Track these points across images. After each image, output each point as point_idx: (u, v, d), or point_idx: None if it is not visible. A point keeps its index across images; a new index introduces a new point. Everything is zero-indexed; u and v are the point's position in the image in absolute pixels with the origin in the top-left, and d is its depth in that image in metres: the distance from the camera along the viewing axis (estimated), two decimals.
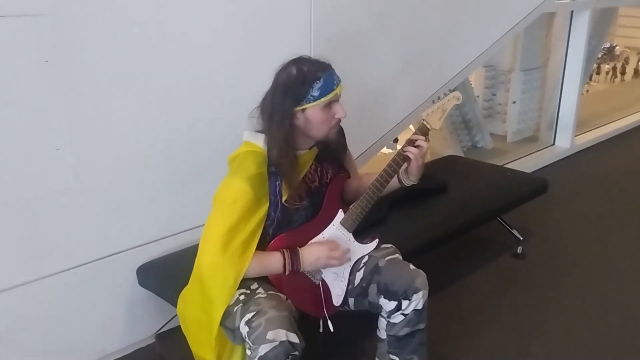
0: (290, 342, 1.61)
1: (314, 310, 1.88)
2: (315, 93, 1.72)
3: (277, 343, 1.60)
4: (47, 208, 2.04)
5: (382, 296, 1.87)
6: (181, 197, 2.36)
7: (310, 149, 1.87)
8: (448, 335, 2.50)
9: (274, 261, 1.79)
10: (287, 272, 1.80)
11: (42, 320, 2.11)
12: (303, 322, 1.84)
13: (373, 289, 1.89)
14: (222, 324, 1.75)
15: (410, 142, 1.92)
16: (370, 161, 3.19)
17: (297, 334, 1.65)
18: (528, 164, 4.57)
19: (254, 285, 1.78)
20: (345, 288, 1.92)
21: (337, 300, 1.91)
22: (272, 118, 1.74)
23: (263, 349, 1.60)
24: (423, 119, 1.96)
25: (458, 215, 2.83)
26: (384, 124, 3.18)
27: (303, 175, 1.86)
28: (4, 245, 1.97)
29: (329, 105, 1.76)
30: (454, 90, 2.06)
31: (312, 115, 1.75)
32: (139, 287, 2.30)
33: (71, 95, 1.99)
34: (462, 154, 4.53)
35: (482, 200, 3.02)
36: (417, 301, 1.84)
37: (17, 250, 2.00)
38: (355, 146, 2.99)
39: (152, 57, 2.16)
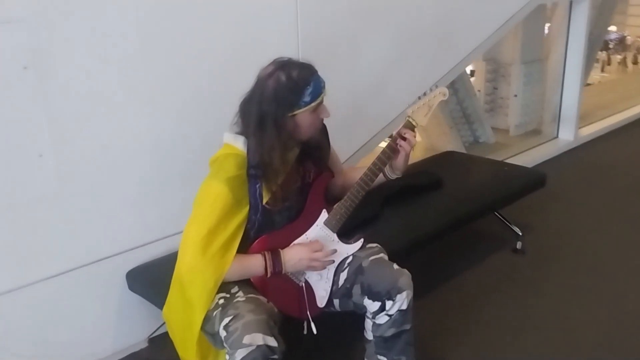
0: (267, 346, 1.59)
1: (297, 312, 1.86)
2: (307, 99, 1.71)
3: (254, 347, 1.58)
4: (31, 214, 2.03)
5: (366, 297, 1.84)
6: (168, 200, 2.35)
7: (290, 150, 1.85)
8: (445, 331, 2.48)
9: (254, 264, 1.77)
10: (268, 275, 1.78)
11: (31, 326, 2.11)
12: (289, 324, 1.83)
13: (357, 289, 1.86)
14: (202, 328, 1.74)
15: (400, 136, 1.89)
16: (366, 158, 3.16)
17: (275, 338, 1.63)
18: (531, 157, 4.51)
19: (234, 289, 1.76)
20: (329, 289, 1.90)
21: (321, 302, 1.89)
22: (262, 125, 1.71)
23: (240, 354, 1.58)
24: (409, 116, 1.93)
25: (451, 210, 2.79)
26: (378, 120, 3.15)
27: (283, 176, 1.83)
28: None
29: (317, 106, 1.75)
30: (439, 86, 2.03)
31: (301, 119, 1.74)
32: (129, 291, 2.29)
33: (52, 100, 1.99)
34: (463, 150, 4.48)
35: (477, 195, 2.99)
36: (401, 301, 1.81)
37: (1, 256, 2.00)
38: (349, 143, 3.01)
39: (134, 60, 2.15)
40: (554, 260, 3.07)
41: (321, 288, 1.89)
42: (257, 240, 1.82)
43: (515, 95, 4.89)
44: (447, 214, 2.76)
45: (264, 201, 1.78)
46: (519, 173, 3.30)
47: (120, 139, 2.18)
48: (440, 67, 3.42)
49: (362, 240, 1.94)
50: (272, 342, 1.61)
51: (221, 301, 1.72)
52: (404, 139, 1.89)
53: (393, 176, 1.99)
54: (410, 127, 1.92)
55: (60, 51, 1.98)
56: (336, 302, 1.92)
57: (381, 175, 1.97)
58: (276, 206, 1.81)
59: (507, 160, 4.26)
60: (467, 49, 3.56)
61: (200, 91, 2.33)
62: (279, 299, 1.82)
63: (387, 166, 1.95)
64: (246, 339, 1.58)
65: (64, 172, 2.07)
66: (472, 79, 4.95)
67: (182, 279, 1.74)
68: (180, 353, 1.88)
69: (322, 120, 1.82)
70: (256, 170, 1.73)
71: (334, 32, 2.77)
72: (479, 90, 4.96)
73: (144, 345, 2.44)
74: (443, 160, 3.49)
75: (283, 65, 1.72)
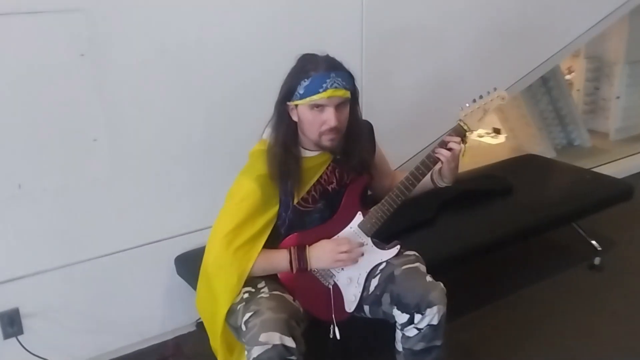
0: (284, 346, 1.56)
1: (323, 314, 1.81)
2: (301, 91, 1.66)
3: (269, 346, 1.55)
4: (86, 196, 2.12)
5: (395, 307, 1.76)
6: (219, 189, 2.35)
7: (323, 152, 1.80)
8: (500, 348, 2.33)
9: (280, 259, 1.75)
10: (294, 270, 1.75)
11: (82, 301, 2.22)
12: (318, 326, 1.79)
13: (386, 298, 1.79)
14: (227, 321, 1.74)
15: (443, 144, 1.79)
16: None
17: (295, 338, 1.59)
18: (629, 165, 4.14)
19: (261, 284, 1.74)
20: (359, 294, 1.83)
21: (349, 307, 1.83)
22: (274, 113, 1.72)
23: (256, 351, 1.56)
24: (460, 119, 1.82)
25: (517, 219, 2.62)
26: (449, 121, 2.99)
27: (318, 177, 1.79)
28: (45, 229, 2.08)
29: (320, 108, 1.67)
30: (498, 88, 1.88)
31: (301, 113, 1.70)
32: (177, 276, 2.35)
33: (107, 88, 2.06)
34: (553, 153, 4.21)
35: (552, 205, 2.78)
36: (432, 316, 1.71)
37: (57, 234, 2.11)
38: (414, 143, 2.88)
39: (191, 52, 2.17)
40: (635, 281, 2.79)
41: (350, 292, 1.83)
42: (287, 237, 1.79)
43: (618, 97, 4.49)
44: (512, 223, 2.59)
45: (295, 200, 1.75)
46: (604, 183, 3.03)
47: (174, 127, 2.22)
48: (526, 63, 3.20)
49: (398, 247, 1.85)
50: (290, 342, 1.57)
51: (246, 295, 1.71)
52: (449, 148, 1.77)
53: (442, 184, 1.89)
54: (461, 132, 1.81)
55: (117, 40, 2.04)
56: (366, 308, 1.86)
57: (430, 181, 1.88)
58: (307, 207, 1.77)
59: (603, 167, 3.94)
60: (560, 43, 3.30)
61: (255, 81, 2.31)
62: (306, 299, 1.79)
63: (436, 173, 1.86)
64: (263, 337, 1.56)
65: (118, 157, 2.14)
66: (567, 77, 4.61)
67: (208, 271, 1.75)
68: (211, 342, 1.90)
69: (331, 129, 1.69)
70: (278, 166, 1.70)
71: (403, 28, 2.66)
72: (577, 90, 4.61)
73: (192, 329, 2.50)
74: (521, 164, 3.28)
75: (308, 54, 1.70)
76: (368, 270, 1.84)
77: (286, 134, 1.72)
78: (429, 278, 1.76)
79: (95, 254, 2.20)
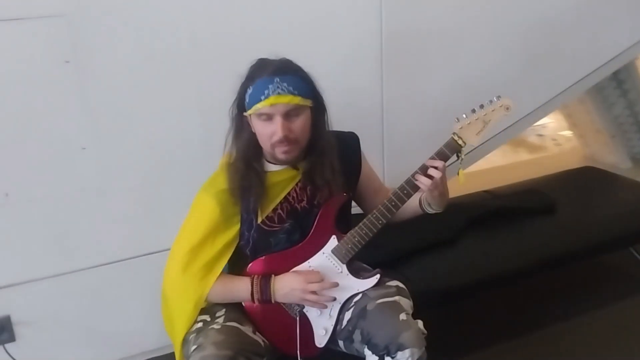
0: None
1: (289, 348, 1.64)
2: (247, 99, 1.51)
3: None
4: (76, 205, 2.07)
5: (366, 346, 1.56)
6: None
7: (290, 167, 1.62)
8: None
9: (240, 288, 1.60)
10: (255, 302, 1.59)
11: (74, 311, 2.18)
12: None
13: (357, 335, 1.59)
14: (182, 350, 1.62)
15: (424, 169, 1.56)
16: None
17: None
18: None
19: (220, 312, 1.61)
20: (331, 327, 1.65)
21: (319, 341, 1.65)
22: (232, 123, 1.60)
23: None
24: (455, 133, 1.59)
25: (556, 242, 2.33)
26: None
27: (285, 194, 1.62)
28: (34, 238, 2.05)
29: (267, 117, 1.50)
30: (502, 97, 1.63)
31: (253, 124, 1.55)
32: None
33: (93, 94, 1.99)
34: (629, 163, 3.77)
35: (603, 225, 2.44)
36: None
37: (47, 243, 2.07)
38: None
39: (182, 58, 2.07)
40: None
41: (320, 326, 1.64)
42: (253, 261, 1.64)
43: None
44: (549, 247, 2.32)
45: (259, 219, 1.59)
46: None
47: (167, 136, 2.13)
48: (578, 68, 2.83)
49: (377, 276, 1.65)
50: None
51: (199, 325, 1.59)
52: (428, 176, 1.54)
53: (430, 211, 1.67)
54: (455, 147, 1.58)
55: (102, 46, 1.96)
56: (340, 343, 1.67)
57: (419, 207, 1.67)
58: (272, 226, 1.61)
59: None
60: (625, 43, 2.90)
61: None
62: (271, 331, 1.64)
63: (423, 199, 1.64)
64: None
65: (107, 166, 2.08)
66: None
67: (166, 295, 1.64)
68: None
69: (282, 140, 1.51)
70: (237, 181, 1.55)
71: (425, 25, 2.42)
72: None
73: None
74: (574, 178, 2.93)
75: (258, 60, 1.56)
76: (342, 302, 1.65)
77: (247, 146, 1.57)
78: (403, 316, 1.54)
79: (87, 265, 2.16)
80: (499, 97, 1.63)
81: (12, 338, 2.12)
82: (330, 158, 1.61)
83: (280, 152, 1.54)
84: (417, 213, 1.73)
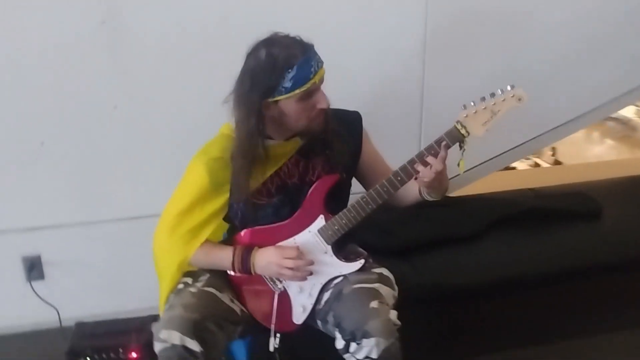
0: (185, 348, 1.45)
1: (266, 321, 1.65)
2: (288, 84, 1.45)
3: (168, 345, 1.46)
4: (105, 160, 2.19)
5: (337, 329, 1.54)
6: None
7: (288, 139, 1.61)
8: None
9: (222, 256, 1.62)
10: (235, 272, 1.61)
11: (99, 259, 2.31)
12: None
13: (330, 317, 1.58)
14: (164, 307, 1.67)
15: (422, 156, 1.50)
16: (495, 177, 2.58)
17: (204, 341, 1.47)
18: None
19: (203, 277, 1.65)
20: (310, 306, 1.64)
21: (297, 318, 1.65)
22: (239, 108, 1.53)
23: (156, 346, 1.49)
24: (459, 121, 1.51)
25: (595, 249, 2.19)
26: (524, 129, 2.52)
27: (277, 168, 1.61)
28: (65, 186, 2.20)
29: (308, 94, 1.48)
30: (515, 86, 1.53)
31: (286, 107, 1.50)
32: None
33: (126, 56, 2.07)
34: None
35: None
36: (369, 348, 1.47)
37: (77, 192, 2.21)
38: (482, 149, 2.47)
39: (212, 30, 2.09)
40: None
41: (299, 303, 1.64)
42: (241, 232, 1.66)
43: None
44: (582, 254, 2.17)
45: (250, 189, 1.60)
46: None
47: (196, 102, 2.17)
48: None
49: (362, 261, 1.62)
50: (193, 345, 1.46)
51: (180, 286, 1.63)
52: (425, 163, 1.47)
53: (428, 198, 1.61)
54: (457, 136, 1.50)
55: (136, 9, 2.03)
56: (319, 322, 1.66)
57: (417, 191, 1.61)
58: (260, 199, 1.61)
59: None
60: None
61: None
62: (250, 300, 1.66)
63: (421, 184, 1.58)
64: (163, 334, 1.47)
65: (136, 125, 2.16)
66: None
67: (154, 253, 1.69)
68: None
69: (322, 111, 1.52)
70: (234, 158, 1.55)
71: (475, 4, 2.29)
72: None
73: None
74: (632, 184, 2.68)
75: (268, 41, 1.49)
76: (324, 282, 1.63)
77: (256, 127, 1.53)
78: (374, 304, 1.50)
79: (112, 217, 2.27)
80: (512, 86, 1.52)
81: (41, 276, 2.28)
82: (326, 133, 1.58)
83: (319, 123, 1.54)
84: (417, 199, 1.66)
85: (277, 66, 1.44)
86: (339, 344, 1.52)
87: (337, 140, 1.62)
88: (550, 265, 2.14)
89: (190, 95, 2.17)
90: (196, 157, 1.65)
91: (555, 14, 2.36)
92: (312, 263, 1.59)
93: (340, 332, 1.52)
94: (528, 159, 4.09)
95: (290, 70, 1.43)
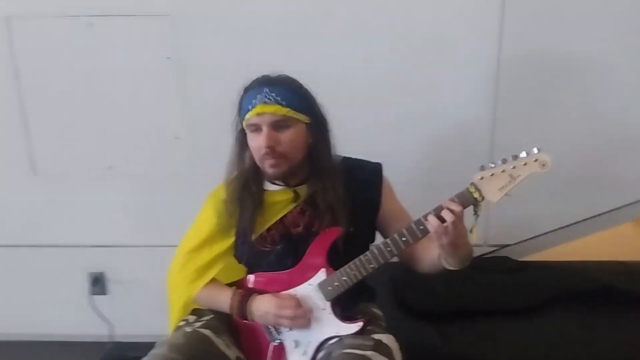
0: None
1: None
2: (241, 112, 1.49)
3: None
4: (166, 187, 2.29)
5: None
6: None
7: (295, 186, 1.55)
8: None
9: (222, 299, 1.59)
10: (234, 316, 1.58)
11: (158, 282, 2.39)
12: None
13: None
14: None
15: (437, 211, 1.37)
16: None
17: None
18: None
19: (206, 317, 1.63)
20: None
21: None
22: (235, 140, 1.56)
23: None
24: (472, 183, 1.37)
25: None
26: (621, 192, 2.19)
27: (281, 216, 1.56)
28: (129, 208, 2.34)
29: (255, 128, 1.47)
30: (541, 150, 1.35)
31: (248, 138, 1.52)
32: None
33: (189, 89, 2.16)
34: None
35: None
36: None
37: (140, 215, 2.35)
38: (571, 208, 2.19)
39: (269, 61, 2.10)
40: None
41: (293, 359, 1.55)
42: (247, 276, 1.63)
43: None
44: None
45: (253, 236, 1.57)
46: None
47: None
48: None
49: (360, 324, 1.50)
50: None
51: (182, 323, 1.63)
52: (441, 218, 1.34)
53: (447, 266, 1.46)
54: (469, 199, 1.36)
55: (198, 45, 2.11)
56: None
57: (437, 260, 1.48)
58: (264, 246, 1.57)
59: None
60: None
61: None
62: (248, 347, 1.61)
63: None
64: None
65: (196, 155, 2.23)
66: None
67: (167, 285, 1.72)
68: None
69: (269, 152, 1.45)
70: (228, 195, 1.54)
71: (553, 42, 2.06)
72: None
73: None
74: None
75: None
76: (320, 340, 1.53)
77: (247, 164, 1.55)
78: None
79: (173, 242, 2.35)
80: (539, 149, 1.34)
81: (103, 291, 2.43)
82: (333, 183, 1.50)
83: (267, 166, 1.48)
84: (437, 267, 1.51)
85: (240, 93, 1.50)
86: None
87: (347, 191, 1.52)
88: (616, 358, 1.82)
89: None
90: (208, 199, 1.66)
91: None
92: (311, 311, 1.50)
93: None
94: None
95: (243, 99, 1.48)
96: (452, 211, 1.33)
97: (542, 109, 2.12)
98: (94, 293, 2.41)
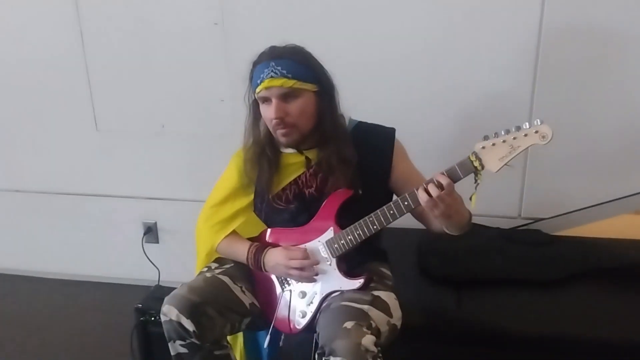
0: (180, 324, 1.58)
1: (271, 318, 1.72)
2: (252, 85, 1.58)
3: (167, 318, 1.61)
4: (213, 146, 2.43)
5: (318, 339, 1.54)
6: None
7: (306, 149, 1.65)
8: None
9: (240, 251, 1.73)
10: (250, 267, 1.72)
11: None
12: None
13: (316, 328, 1.58)
14: None
15: (426, 184, 1.43)
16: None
17: (200, 324, 1.58)
18: None
19: (226, 265, 1.77)
20: (311, 314, 1.64)
21: (297, 323, 1.67)
22: (248, 110, 1.68)
23: (162, 317, 1.63)
24: (474, 152, 1.41)
25: None
26: None
27: (295, 177, 1.67)
28: (179, 165, 2.52)
29: (267, 101, 1.56)
30: (544, 122, 1.37)
31: (261, 110, 1.61)
32: None
33: (235, 54, 2.28)
34: None
35: None
36: None
37: (189, 171, 2.53)
38: (597, 189, 2.15)
39: (313, 29, 2.18)
40: None
41: (299, 308, 1.66)
42: (265, 230, 1.76)
43: None
44: None
45: (269, 195, 1.69)
46: None
47: None
48: None
49: (361, 281, 1.58)
50: (188, 324, 1.57)
51: (204, 269, 1.77)
52: (428, 193, 1.40)
53: (446, 231, 1.52)
54: (469, 168, 1.40)
55: (245, 12, 2.22)
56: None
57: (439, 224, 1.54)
58: (279, 204, 1.68)
59: None
60: None
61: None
62: (262, 297, 1.74)
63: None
64: (165, 308, 1.61)
65: (239, 119, 2.36)
66: None
67: (195, 234, 1.87)
68: None
69: (280, 122, 1.54)
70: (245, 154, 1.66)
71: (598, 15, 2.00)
72: None
73: None
74: None
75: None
76: (324, 293, 1.63)
77: (264, 131, 1.65)
78: (349, 324, 1.45)
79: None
80: (541, 121, 1.36)
81: (156, 240, 2.64)
82: (338, 146, 1.58)
83: (279, 135, 1.59)
84: (440, 231, 1.57)
85: (252, 65, 1.59)
86: (316, 354, 1.52)
87: (356, 154, 1.60)
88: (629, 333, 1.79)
89: None
90: (233, 157, 1.78)
91: None
92: (317, 263, 1.61)
93: (317, 344, 1.52)
94: None
95: (253, 73, 1.57)
96: (440, 185, 1.38)
97: (582, 84, 2.07)
98: (147, 242, 2.63)
